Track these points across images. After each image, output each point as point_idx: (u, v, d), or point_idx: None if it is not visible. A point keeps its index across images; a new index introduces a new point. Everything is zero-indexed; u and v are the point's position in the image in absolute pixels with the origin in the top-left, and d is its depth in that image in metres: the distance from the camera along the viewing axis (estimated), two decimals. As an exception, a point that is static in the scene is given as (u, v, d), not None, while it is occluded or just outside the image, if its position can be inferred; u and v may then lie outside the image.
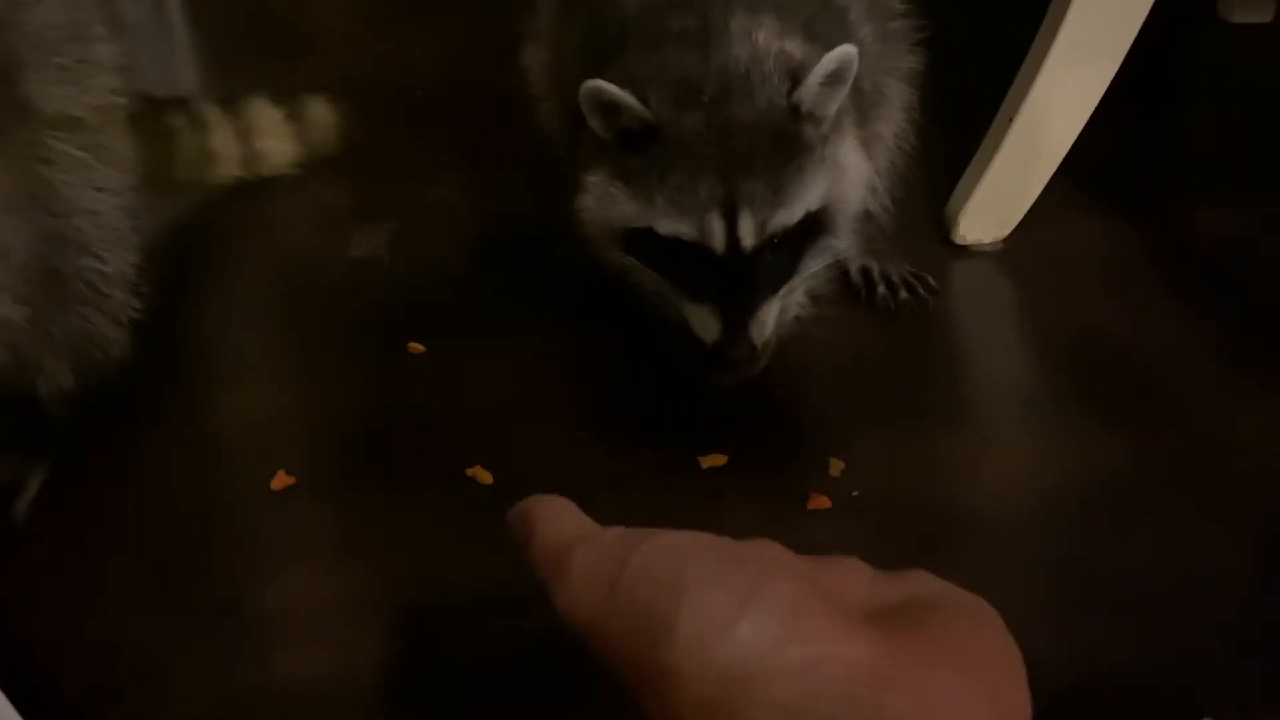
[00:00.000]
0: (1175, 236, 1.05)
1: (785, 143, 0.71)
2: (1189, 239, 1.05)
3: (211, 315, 0.96)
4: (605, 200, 0.74)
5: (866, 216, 0.87)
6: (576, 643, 0.35)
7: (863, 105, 0.82)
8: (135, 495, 0.76)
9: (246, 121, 1.11)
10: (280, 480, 0.75)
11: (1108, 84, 0.93)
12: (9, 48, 0.66)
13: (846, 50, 0.71)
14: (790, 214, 0.71)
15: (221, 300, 0.99)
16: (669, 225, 0.71)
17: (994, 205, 1.00)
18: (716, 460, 0.76)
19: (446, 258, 1.04)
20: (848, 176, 0.77)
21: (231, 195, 1.13)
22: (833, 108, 0.73)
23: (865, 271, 0.95)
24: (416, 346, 0.89)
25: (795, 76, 0.71)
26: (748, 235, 0.70)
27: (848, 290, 0.94)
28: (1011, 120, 0.95)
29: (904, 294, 0.94)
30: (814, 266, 0.77)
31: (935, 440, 0.80)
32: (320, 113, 1.20)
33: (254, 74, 1.43)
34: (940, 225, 1.03)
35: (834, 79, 0.71)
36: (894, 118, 0.89)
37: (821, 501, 0.73)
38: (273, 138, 1.16)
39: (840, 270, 0.87)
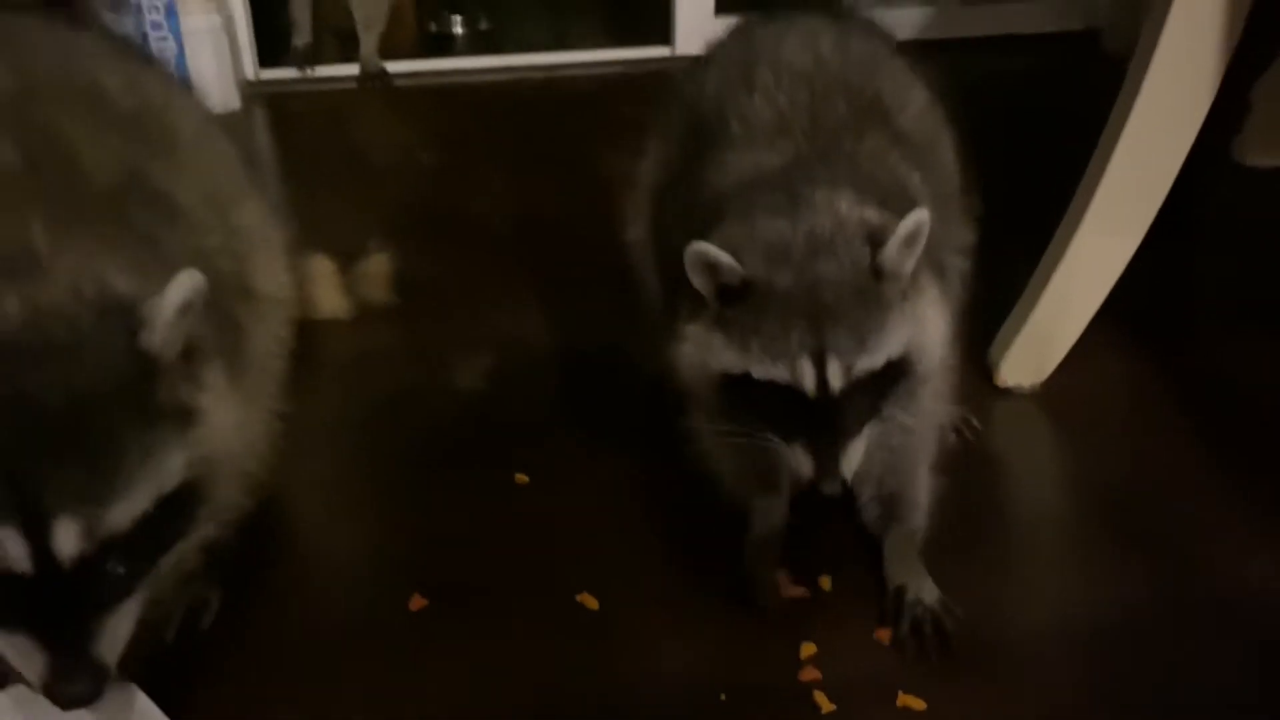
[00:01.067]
0: (1202, 375, 1.16)
1: (868, 298, 0.79)
2: (1215, 377, 1.16)
3: (327, 448, 1.07)
4: (704, 347, 0.82)
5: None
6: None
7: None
8: (278, 615, 0.86)
9: (303, 270, 1.15)
10: (416, 602, 0.86)
11: (1132, 253, 1.05)
12: None
13: (920, 215, 0.79)
14: (873, 360, 0.79)
15: (334, 434, 1.09)
16: (764, 370, 0.78)
17: (1031, 354, 1.12)
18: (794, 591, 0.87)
19: (542, 388, 1.16)
20: (927, 329, 0.83)
21: (330, 330, 1.24)
22: (910, 266, 0.81)
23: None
24: (522, 478, 1.00)
25: (875, 240, 0.79)
26: (835, 379, 0.77)
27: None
28: (1046, 282, 1.07)
29: (951, 435, 1.06)
30: (895, 408, 0.83)
31: (975, 571, 0.90)
32: (376, 266, 1.30)
33: (340, 203, 1.59)
34: (984, 368, 1.15)
35: (910, 241, 0.79)
36: (951, 287, 0.98)
37: (884, 634, 0.83)
38: (325, 288, 1.25)
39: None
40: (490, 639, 0.83)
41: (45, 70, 0.74)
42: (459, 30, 2.84)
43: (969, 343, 1.12)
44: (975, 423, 1.07)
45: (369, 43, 2.29)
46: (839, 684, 0.78)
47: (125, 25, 1.82)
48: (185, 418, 0.62)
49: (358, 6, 2.28)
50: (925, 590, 0.86)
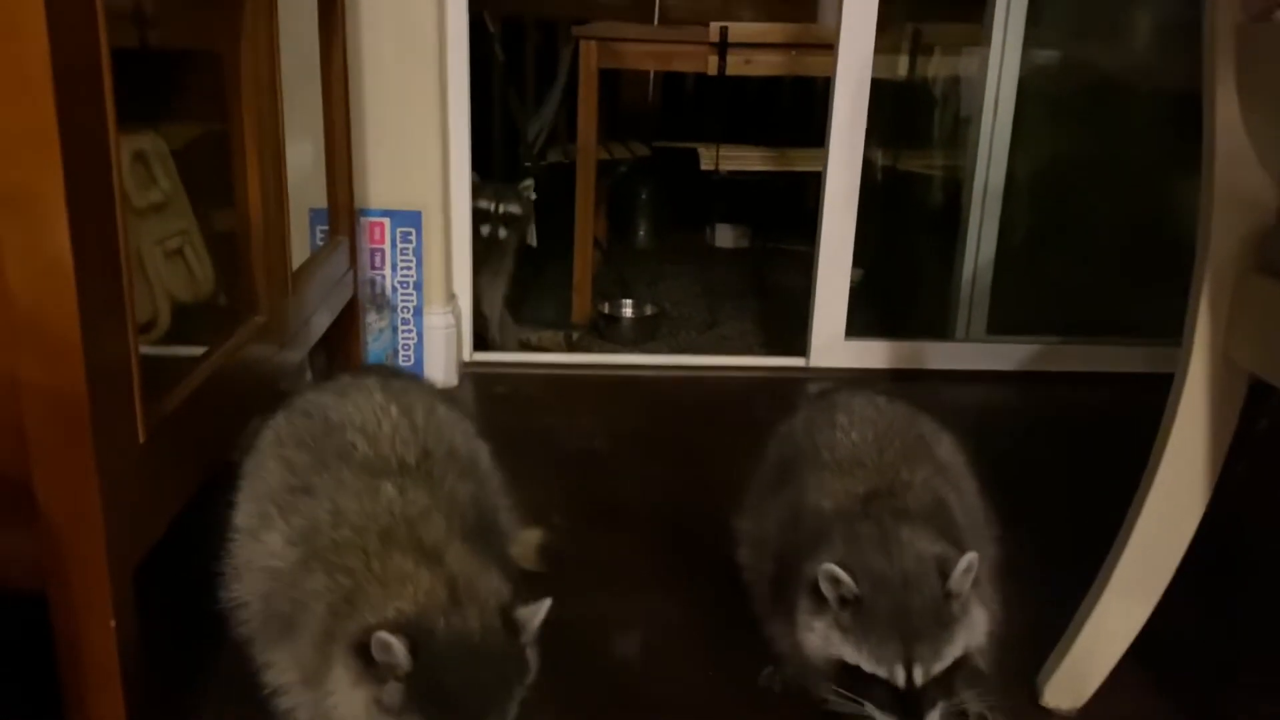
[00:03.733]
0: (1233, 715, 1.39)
1: (941, 616, 1.12)
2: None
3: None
4: (827, 640, 1.15)
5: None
6: None
7: None
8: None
9: None
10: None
11: (1149, 614, 1.34)
12: None
13: (971, 557, 1.13)
14: (945, 662, 1.12)
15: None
16: (870, 666, 1.12)
17: (1069, 683, 1.40)
18: None
19: (691, 665, 1.47)
20: (976, 629, 1.17)
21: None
22: (967, 587, 1.14)
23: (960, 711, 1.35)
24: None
25: (944, 570, 1.14)
26: (919, 677, 1.11)
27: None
28: (1081, 625, 1.37)
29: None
30: (960, 691, 1.16)
31: None
32: (528, 537, 1.60)
33: (522, 474, 1.97)
34: (1032, 690, 1.43)
35: (969, 571, 1.13)
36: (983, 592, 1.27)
37: None
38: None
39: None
40: None
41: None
42: (628, 313, 3.35)
43: (1023, 664, 1.41)
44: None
45: (494, 328, 2.84)
46: None
47: (382, 322, 2.36)
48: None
49: (487, 304, 2.83)
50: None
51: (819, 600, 1.16)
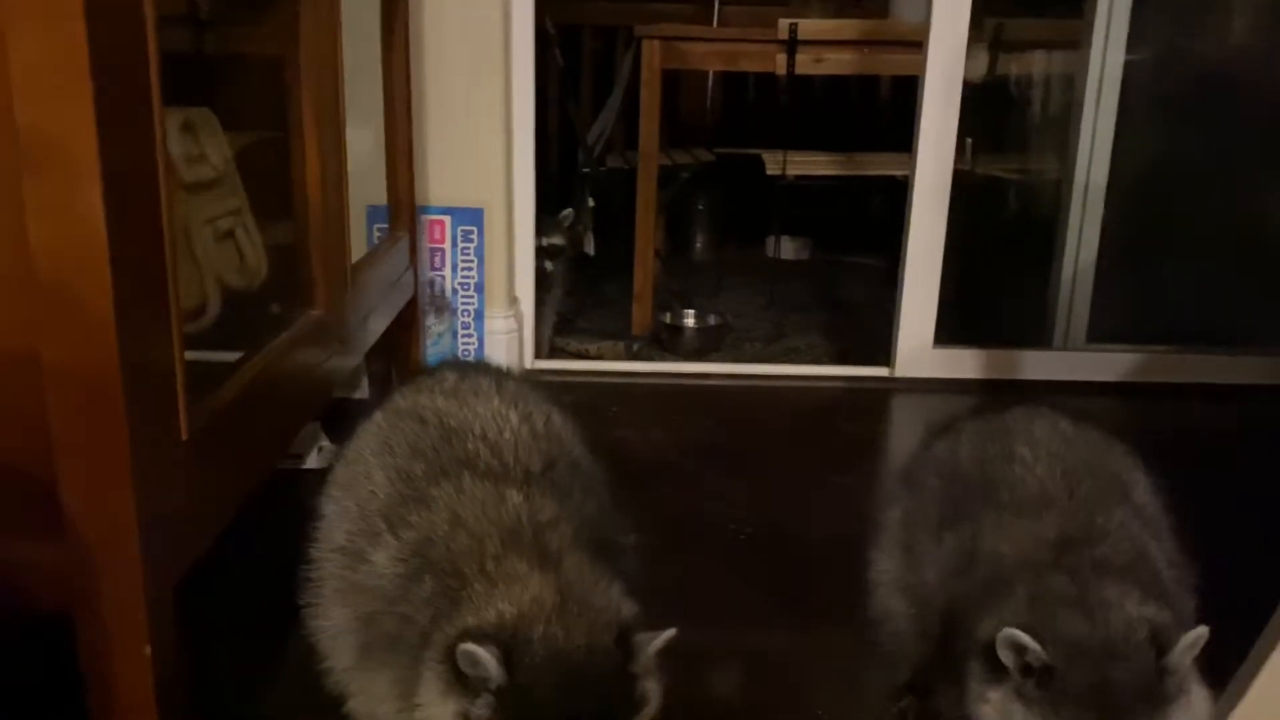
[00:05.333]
0: None
1: (1152, 694, 0.91)
2: None
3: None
4: (1007, 714, 0.94)
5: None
6: None
7: None
8: None
9: None
10: None
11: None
12: None
13: (1203, 631, 0.92)
14: None
15: None
16: None
17: (1246, 732, 1.20)
18: None
19: (789, 702, 1.31)
20: (1197, 715, 0.94)
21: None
22: (1188, 663, 0.92)
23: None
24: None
25: (1159, 641, 0.92)
26: None
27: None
28: (1243, 691, 1.17)
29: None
30: None
31: None
32: None
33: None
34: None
35: (1193, 647, 0.92)
36: None
37: None
38: None
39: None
40: None
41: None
42: (690, 323, 3.20)
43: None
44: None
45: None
46: None
47: (441, 326, 2.22)
48: (645, 703, 0.89)
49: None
50: None
51: (996, 667, 0.96)
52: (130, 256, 0.83)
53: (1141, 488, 1.15)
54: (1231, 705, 1.21)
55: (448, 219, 2.17)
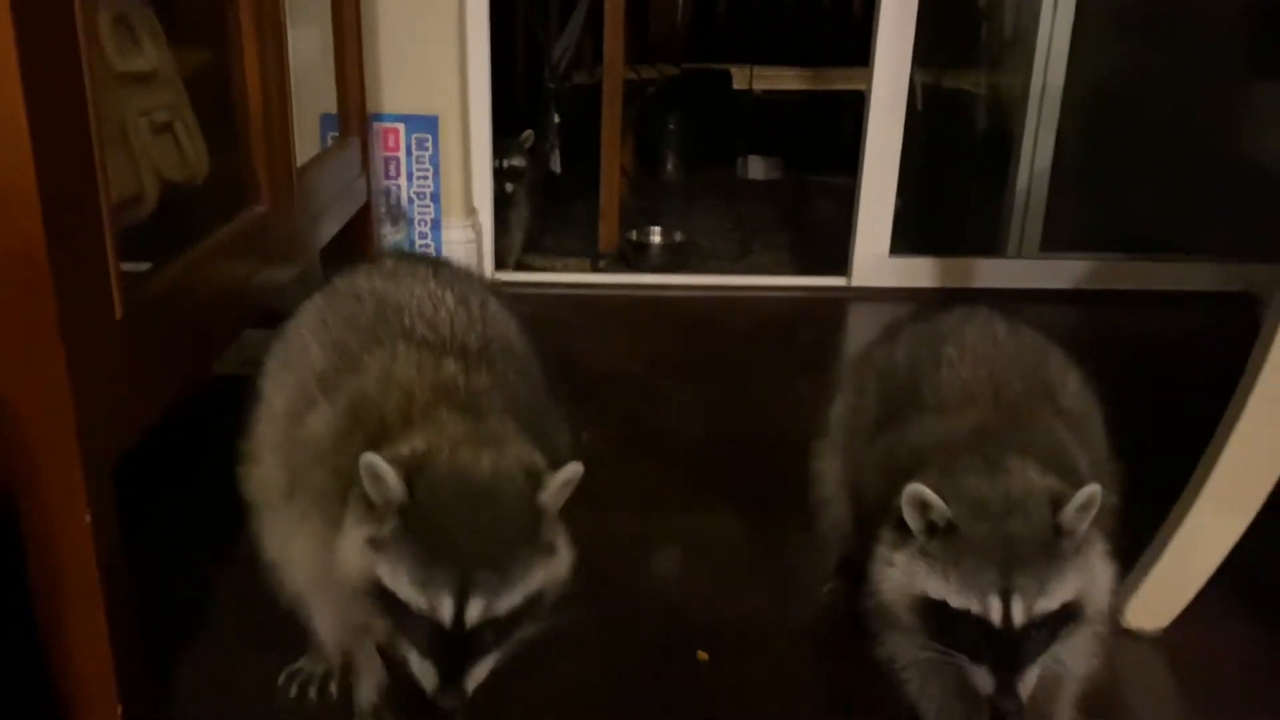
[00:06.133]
0: None
1: (1049, 549, 0.94)
2: None
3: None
4: (909, 573, 0.98)
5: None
6: None
7: None
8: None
9: None
10: None
11: (1243, 531, 1.20)
12: None
13: (1095, 489, 0.95)
14: (1051, 603, 0.94)
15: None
16: (960, 600, 0.94)
17: (1151, 605, 1.27)
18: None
19: (725, 580, 1.37)
20: (1096, 579, 0.98)
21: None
22: (1084, 527, 0.96)
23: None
24: (703, 655, 1.22)
25: (1056, 503, 0.95)
26: (1019, 615, 0.93)
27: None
28: (1166, 544, 1.24)
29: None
30: (1063, 645, 0.97)
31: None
32: None
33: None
34: (1113, 609, 1.30)
35: (1086, 506, 0.95)
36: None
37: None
38: None
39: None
40: None
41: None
42: (656, 240, 3.21)
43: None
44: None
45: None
46: None
47: (397, 235, 2.23)
48: (550, 551, 0.90)
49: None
50: None
51: (903, 532, 0.99)
52: (53, 135, 0.83)
53: (1071, 391, 1.17)
54: (1142, 574, 1.27)
55: (402, 126, 2.16)
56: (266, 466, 1.06)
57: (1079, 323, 2.44)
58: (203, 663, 1.18)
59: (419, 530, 0.87)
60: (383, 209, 2.18)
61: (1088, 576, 0.97)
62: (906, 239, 2.60)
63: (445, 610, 0.86)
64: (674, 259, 3.07)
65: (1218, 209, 2.64)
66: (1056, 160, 2.68)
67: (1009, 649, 0.93)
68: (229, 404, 1.11)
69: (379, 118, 2.14)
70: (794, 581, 1.35)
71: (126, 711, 0.98)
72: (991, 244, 2.78)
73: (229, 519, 1.16)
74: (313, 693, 1.12)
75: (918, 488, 0.96)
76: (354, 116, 1.91)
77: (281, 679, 1.13)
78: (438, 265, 1.16)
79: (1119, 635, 1.27)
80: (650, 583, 1.38)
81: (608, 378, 2.07)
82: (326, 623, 1.07)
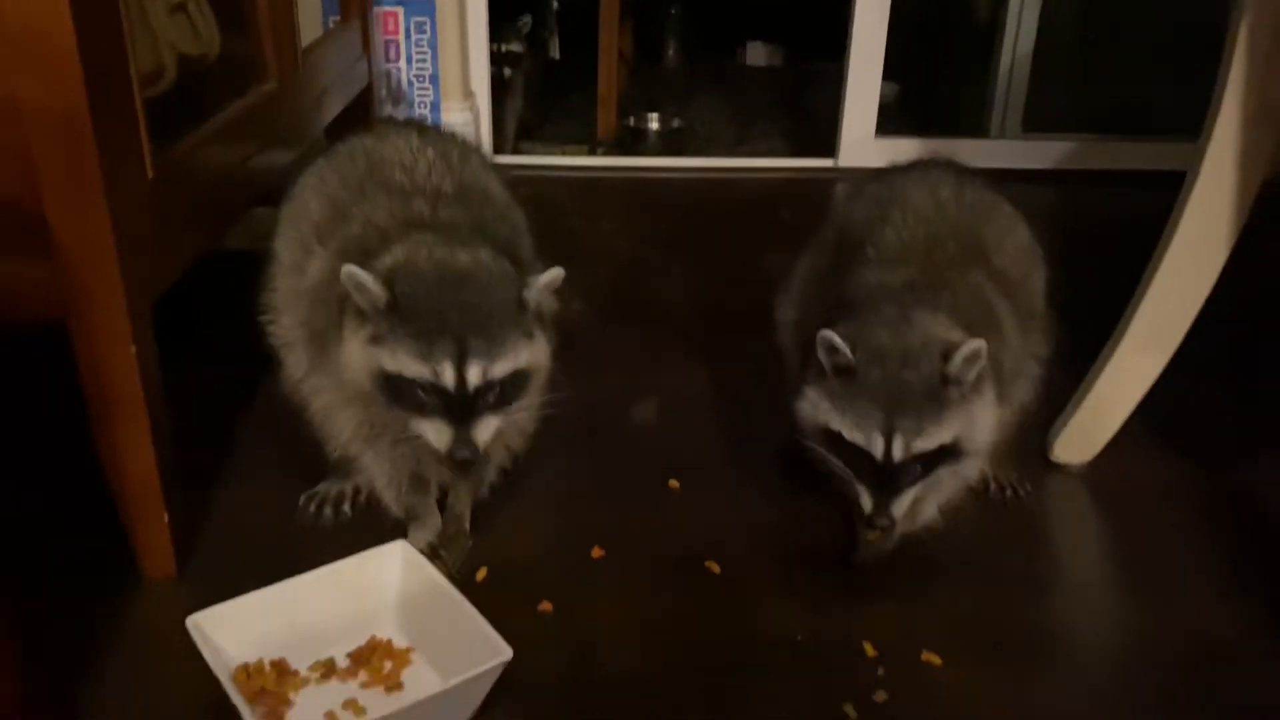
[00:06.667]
0: (1235, 488, 1.40)
1: (933, 397, 1.07)
2: (1247, 494, 1.39)
3: (534, 455, 1.35)
4: (816, 407, 1.13)
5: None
6: None
7: (1004, 378, 1.17)
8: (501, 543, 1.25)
9: None
10: (596, 551, 1.23)
11: (1160, 370, 1.34)
12: None
13: (978, 343, 1.07)
14: (927, 443, 1.08)
15: (536, 447, 1.34)
16: (850, 434, 1.09)
17: (1078, 440, 1.41)
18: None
19: (696, 425, 1.53)
20: (977, 424, 1.11)
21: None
22: (971, 376, 1.08)
23: (982, 474, 1.36)
24: (674, 483, 1.38)
25: (946, 354, 1.07)
26: (898, 452, 1.07)
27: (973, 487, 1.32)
28: (1093, 383, 1.37)
29: (1009, 492, 1.36)
30: (944, 478, 1.13)
31: (1016, 587, 1.21)
32: None
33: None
34: (1043, 446, 1.45)
35: (971, 359, 1.07)
36: (1026, 386, 1.27)
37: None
38: None
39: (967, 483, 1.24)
40: (627, 590, 1.19)
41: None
42: (654, 126, 3.29)
43: (1041, 424, 1.42)
44: (1028, 486, 1.38)
45: None
46: (884, 638, 1.11)
47: (399, 115, 2.33)
48: (530, 336, 1.08)
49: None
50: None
51: (819, 372, 1.12)
52: (90, 13, 0.95)
53: (1008, 252, 1.26)
54: (1071, 413, 1.42)
55: (400, 10, 2.23)
56: (284, 315, 1.20)
57: (1059, 201, 2.54)
58: (232, 487, 1.34)
59: (411, 316, 1.02)
60: (383, 91, 2.28)
61: (968, 421, 1.10)
62: (893, 121, 2.67)
63: (448, 375, 1.02)
64: (671, 145, 3.16)
65: (1197, 89, 2.69)
66: (1039, 42, 2.73)
67: (887, 478, 1.09)
68: (244, 274, 1.26)
69: (379, 1, 2.21)
70: (754, 424, 1.50)
71: (172, 519, 1.14)
72: (975, 125, 2.85)
73: (253, 368, 1.32)
74: (328, 511, 1.28)
75: (827, 333, 1.10)
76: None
77: (302, 501, 1.29)
78: (424, 128, 1.29)
79: (1048, 469, 1.43)
80: (632, 427, 1.54)
81: (601, 253, 2.19)
82: (382, 478, 1.22)
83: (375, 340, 1.04)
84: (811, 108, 3.43)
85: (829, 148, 2.74)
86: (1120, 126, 2.70)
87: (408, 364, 1.02)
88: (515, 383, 1.07)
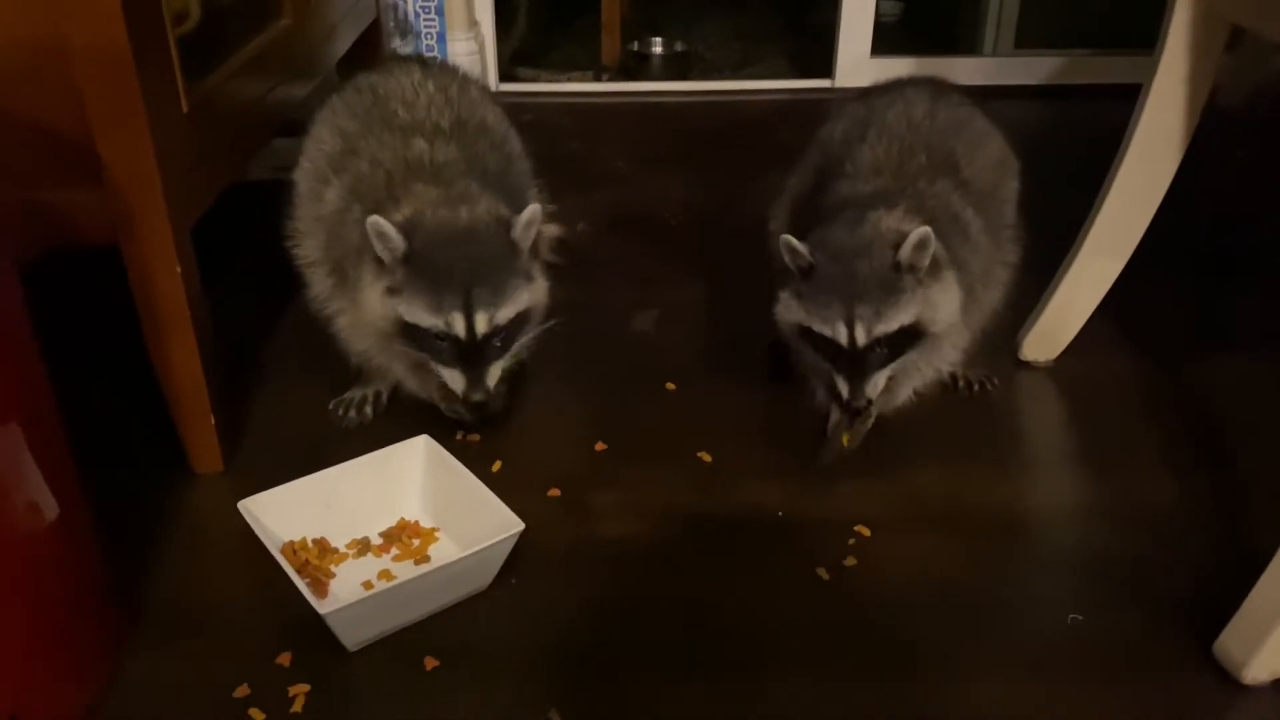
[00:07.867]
0: (1195, 385, 1.50)
1: (888, 284, 1.16)
2: (1205, 390, 1.49)
3: (540, 361, 1.48)
4: (787, 307, 1.24)
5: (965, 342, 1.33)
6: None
7: (974, 284, 1.26)
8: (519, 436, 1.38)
9: None
10: (599, 446, 1.36)
11: (1118, 273, 1.44)
12: None
13: (924, 231, 1.15)
14: (888, 326, 1.17)
15: (541, 354, 1.44)
16: (819, 327, 1.20)
17: (1044, 339, 1.52)
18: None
19: (692, 333, 1.65)
20: (937, 306, 1.20)
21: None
22: (924, 262, 1.16)
23: (953, 374, 1.48)
24: (671, 385, 1.50)
25: (897, 245, 1.16)
26: (860, 337, 1.18)
27: (942, 384, 1.46)
28: (1057, 286, 1.48)
29: (977, 388, 1.48)
30: (917, 363, 1.25)
31: (980, 468, 1.33)
32: (547, 230, 1.72)
33: (556, 201, 2.10)
34: (1012, 346, 1.56)
35: (920, 246, 1.15)
36: (996, 290, 1.37)
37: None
38: None
39: (939, 374, 1.36)
40: (622, 478, 1.32)
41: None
42: (658, 51, 3.33)
43: (1010, 326, 1.53)
44: (996, 381, 1.49)
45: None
46: (856, 513, 1.24)
47: (405, 48, 2.41)
48: (529, 278, 1.20)
49: None
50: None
51: (789, 276, 1.22)
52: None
53: (979, 166, 1.34)
54: (1038, 314, 1.53)
55: (405, -57, 2.30)
56: (306, 239, 1.33)
57: (1051, 116, 2.60)
58: (268, 394, 1.48)
59: (422, 271, 1.15)
60: (391, 23, 2.36)
61: (926, 304, 1.19)
62: (894, 41, 2.71)
63: (459, 324, 1.15)
64: (675, 70, 3.20)
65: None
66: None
67: (856, 362, 1.19)
68: (267, 202, 1.38)
69: (384, -65, 2.28)
70: (747, 331, 1.61)
71: (218, 421, 1.28)
72: (969, 43, 2.90)
73: (281, 290, 1.44)
74: (354, 414, 1.41)
75: (786, 237, 1.20)
76: (361, -66, 2.06)
77: (331, 405, 1.43)
78: (426, 63, 1.41)
79: (1018, 368, 1.55)
80: (632, 335, 1.66)
81: (604, 175, 2.28)
82: (402, 371, 1.33)
83: (392, 292, 1.17)
84: (814, 28, 3.46)
85: (824, 68, 2.79)
86: (1111, 41, 2.74)
87: (422, 316, 1.16)
88: (519, 322, 1.20)
